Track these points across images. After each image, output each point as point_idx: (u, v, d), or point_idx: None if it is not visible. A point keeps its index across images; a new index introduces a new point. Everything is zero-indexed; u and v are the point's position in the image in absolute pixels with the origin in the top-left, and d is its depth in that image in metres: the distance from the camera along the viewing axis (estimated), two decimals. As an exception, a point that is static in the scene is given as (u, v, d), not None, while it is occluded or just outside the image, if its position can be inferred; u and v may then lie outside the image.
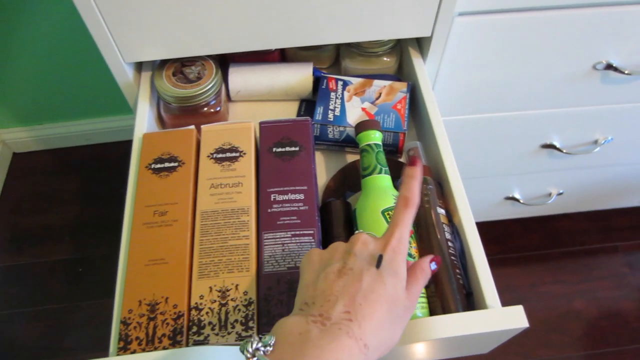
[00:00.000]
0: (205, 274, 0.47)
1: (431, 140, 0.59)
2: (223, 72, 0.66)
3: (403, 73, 0.71)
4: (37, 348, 1.20)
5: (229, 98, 0.68)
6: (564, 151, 0.92)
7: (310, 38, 0.60)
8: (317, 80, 0.66)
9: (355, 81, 0.64)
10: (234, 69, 0.67)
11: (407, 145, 0.61)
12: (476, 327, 0.43)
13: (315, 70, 0.67)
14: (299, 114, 0.68)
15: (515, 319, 0.44)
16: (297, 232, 0.49)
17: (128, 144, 0.57)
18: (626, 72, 0.73)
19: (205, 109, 0.61)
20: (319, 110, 0.62)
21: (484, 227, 1.27)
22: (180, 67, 0.62)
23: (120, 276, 0.48)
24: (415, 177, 0.40)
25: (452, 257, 0.49)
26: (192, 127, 0.57)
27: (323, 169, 0.62)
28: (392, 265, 0.36)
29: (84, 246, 1.35)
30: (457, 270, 0.49)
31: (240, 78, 0.67)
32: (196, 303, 0.46)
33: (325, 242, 0.50)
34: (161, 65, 0.62)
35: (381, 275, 0.35)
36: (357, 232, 0.45)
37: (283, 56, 0.72)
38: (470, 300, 0.49)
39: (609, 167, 1.04)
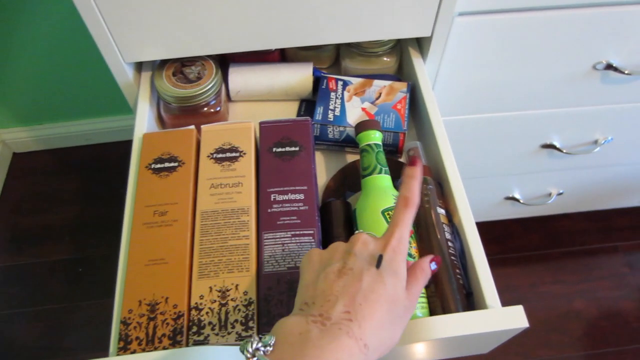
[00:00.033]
0: (205, 274, 0.47)
1: (431, 140, 0.59)
2: (223, 72, 0.66)
3: (403, 73, 0.71)
4: (37, 348, 1.20)
5: (229, 98, 0.68)
6: (564, 151, 0.92)
7: (310, 38, 0.60)
8: (317, 80, 0.66)
9: (355, 81, 0.64)
10: (234, 69, 0.67)
11: (407, 145, 0.61)
12: (476, 327, 0.43)
13: (315, 70, 0.67)
14: (299, 114, 0.68)
15: (515, 319, 0.44)
16: (297, 232, 0.49)
17: (128, 144, 0.57)
18: (626, 72, 0.73)
19: (205, 109, 0.61)
20: (319, 110, 0.62)
21: (484, 227, 1.27)
22: (180, 67, 0.62)
23: (120, 276, 0.48)
24: (415, 177, 0.40)
25: (452, 257, 0.49)
26: (192, 127, 0.57)
27: (323, 169, 0.62)
28: (392, 265, 0.36)
29: (84, 246, 1.35)
30: (457, 270, 0.49)
31: (240, 78, 0.67)
32: (196, 303, 0.46)
33: (325, 242, 0.50)
34: (161, 65, 0.62)
35: (381, 275, 0.35)
36: (357, 232, 0.45)
37: (283, 56, 0.72)
38: (470, 300, 0.49)
39: (609, 167, 1.04)
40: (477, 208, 1.15)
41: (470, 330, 0.43)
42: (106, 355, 0.44)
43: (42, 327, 1.23)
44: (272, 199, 0.51)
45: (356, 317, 0.33)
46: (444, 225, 0.51)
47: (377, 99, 0.62)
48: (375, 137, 0.55)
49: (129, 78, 0.62)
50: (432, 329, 0.43)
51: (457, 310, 0.46)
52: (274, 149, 0.54)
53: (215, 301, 0.46)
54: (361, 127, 0.55)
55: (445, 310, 0.46)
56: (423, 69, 0.65)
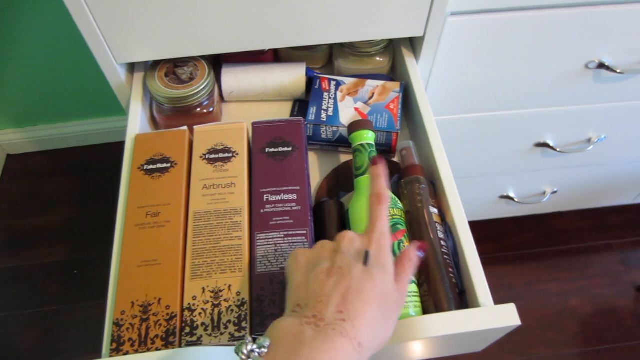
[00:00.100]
0: (198, 275, 0.47)
1: (424, 140, 0.59)
2: (216, 72, 0.65)
3: (396, 73, 0.71)
4: (32, 350, 1.19)
5: (222, 98, 0.68)
6: (558, 150, 0.92)
7: (303, 38, 0.60)
8: (310, 81, 0.66)
9: (348, 81, 0.64)
10: (227, 69, 0.67)
11: (399, 144, 0.61)
12: (469, 326, 0.43)
13: (308, 70, 0.67)
14: (292, 114, 0.68)
15: (508, 317, 0.44)
16: (290, 233, 0.49)
17: (122, 145, 0.57)
18: (618, 70, 0.74)
19: (198, 109, 0.61)
20: (312, 110, 0.62)
21: (479, 226, 1.28)
22: (172, 67, 0.62)
23: (112, 278, 0.48)
24: (380, 175, 0.42)
25: (445, 256, 0.50)
26: (185, 127, 0.57)
27: (316, 169, 0.62)
28: (379, 259, 0.37)
29: (79, 248, 1.34)
30: (450, 269, 0.49)
31: (233, 78, 0.67)
32: (189, 304, 0.46)
33: (318, 242, 0.50)
34: (153, 66, 0.62)
35: (369, 272, 0.36)
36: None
37: (276, 56, 0.72)
38: (463, 299, 0.49)
39: (603, 165, 1.05)
40: (472, 207, 1.16)
41: (463, 328, 0.43)
42: (99, 357, 0.44)
43: (37, 329, 1.22)
44: (264, 200, 0.51)
45: (349, 316, 0.33)
46: (436, 224, 0.51)
47: (370, 98, 0.63)
48: (367, 137, 0.55)
49: (122, 79, 0.62)
50: (426, 328, 0.43)
51: (450, 309, 0.46)
52: (267, 150, 0.54)
53: (208, 302, 0.46)
54: (354, 127, 0.55)
55: (439, 309, 0.47)
56: (416, 68, 0.65)
